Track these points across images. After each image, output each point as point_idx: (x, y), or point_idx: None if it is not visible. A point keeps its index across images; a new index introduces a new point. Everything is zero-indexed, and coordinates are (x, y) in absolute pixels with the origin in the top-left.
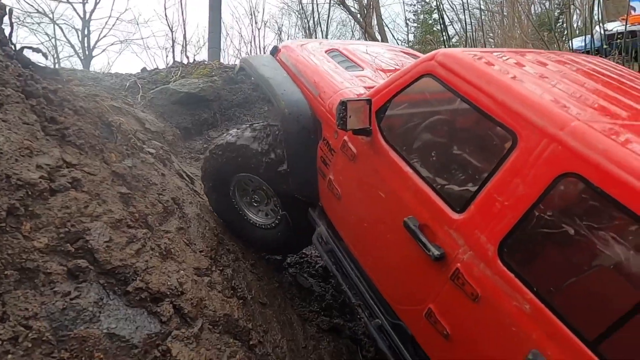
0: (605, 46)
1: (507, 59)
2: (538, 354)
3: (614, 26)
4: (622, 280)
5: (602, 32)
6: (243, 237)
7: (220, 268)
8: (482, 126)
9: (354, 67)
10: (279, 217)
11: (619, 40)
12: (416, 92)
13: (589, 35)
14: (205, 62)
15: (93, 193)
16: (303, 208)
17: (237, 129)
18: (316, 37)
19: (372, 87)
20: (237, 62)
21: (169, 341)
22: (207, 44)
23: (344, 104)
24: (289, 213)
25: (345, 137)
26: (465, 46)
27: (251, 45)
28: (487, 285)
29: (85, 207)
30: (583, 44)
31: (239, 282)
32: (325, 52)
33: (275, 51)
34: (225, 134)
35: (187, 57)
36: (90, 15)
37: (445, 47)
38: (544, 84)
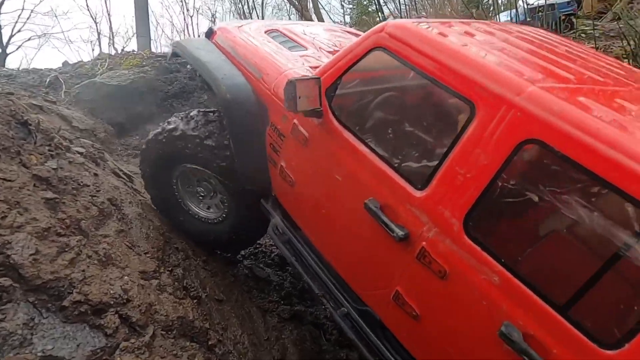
0: (528, 19)
1: (455, 29)
2: (510, 325)
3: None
4: (588, 243)
5: (525, 6)
6: (190, 235)
7: (170, 269)
8: (438, 98)
9: (297, 47)
10: (226, 211)
11: (540, 13)
12: (367, 67)
13: (514, 10)
14: (135, 52)
15: (11, 201)
16: (251, 199)
17: (175, 117)
18: None
19: (318, 67)
20: (169, 47)
21: (117, 354)
22: (135, 34)
23: (292, 83)
24: (235, 204)
25: (295, 121)
26: None
27: (184, 34)
28: (454, 261)
29: (3, 217)
30: (509, 18)
31: (191, 281)
32: (265, 32)
33: (210, 34)
34: (162, 123)
35: (116, 49)
36: None
37: None
38: (496, 52)
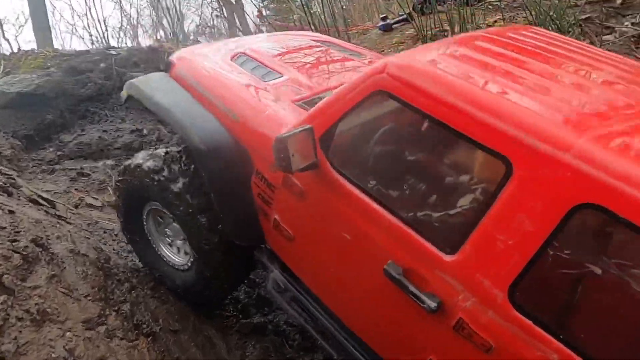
0: None
1: (453, 52)
2: None
3: None
4: None
5: None
6: (160, 279)
7: (116, 308)
8: (460, 151)
9: (271, 74)
10: (192, 259)
11: None
12: (370, 109)
13: None
14: (36, 51)
15: None
16: (220, 251)
17: (162, 152)
18: (166, 3)
19: (301, 99)
20: (123, 90)
21: None
22: (29, 20)
23: (282, 141)
24: (201, 257)
25: None
26: None
27: (87, 18)
28: (501, 335)
29: None
30: None
31: (141, 315)
32: (232, 59)
33: (168, 66)
34: (152, 153)
35: (8, 40)
36: None
37: (301, 2)
38: (522, 88)
